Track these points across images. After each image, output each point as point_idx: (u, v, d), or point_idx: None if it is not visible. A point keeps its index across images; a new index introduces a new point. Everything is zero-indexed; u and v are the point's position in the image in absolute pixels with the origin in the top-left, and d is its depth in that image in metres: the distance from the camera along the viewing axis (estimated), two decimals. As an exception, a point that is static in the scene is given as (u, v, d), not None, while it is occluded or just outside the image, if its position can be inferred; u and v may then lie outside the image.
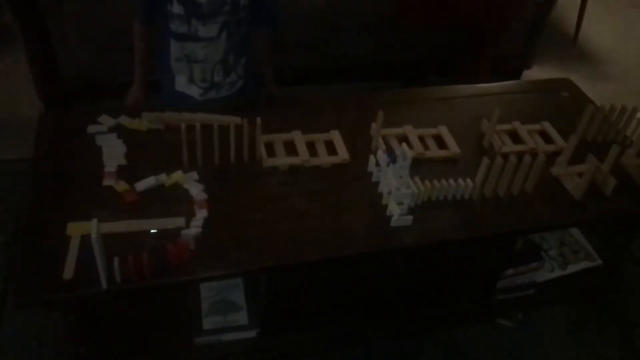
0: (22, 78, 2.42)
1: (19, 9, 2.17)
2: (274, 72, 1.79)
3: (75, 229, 1.11)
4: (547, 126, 1.54)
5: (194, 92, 1.61)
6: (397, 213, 1.21)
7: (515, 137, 1.50)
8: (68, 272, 1.04)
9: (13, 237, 1.83)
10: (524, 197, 1.33)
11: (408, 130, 1.46)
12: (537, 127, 1.54)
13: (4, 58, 2.65)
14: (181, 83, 1.61)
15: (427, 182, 1.27)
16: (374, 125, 1.42)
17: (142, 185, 1.23)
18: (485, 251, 1.45)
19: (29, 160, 1.30)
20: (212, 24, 1.49)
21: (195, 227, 1.12)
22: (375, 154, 1.33)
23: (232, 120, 1.37)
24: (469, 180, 1.29)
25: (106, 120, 1.39)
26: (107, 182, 1.23)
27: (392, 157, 1.22)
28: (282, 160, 1.34)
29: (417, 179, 1.27)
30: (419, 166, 1.33)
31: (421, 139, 1.45)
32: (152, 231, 1.13)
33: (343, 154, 1.38)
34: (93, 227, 0.96)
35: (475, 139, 1.49)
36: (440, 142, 1.45)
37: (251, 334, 1.38)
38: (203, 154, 1.29)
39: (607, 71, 3.19)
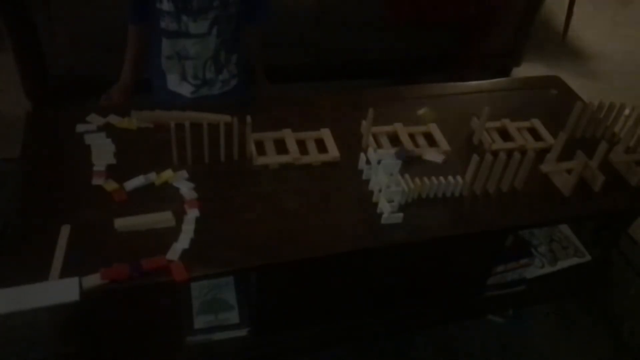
0: (9, 76, 2.39)
1: (7, 6, 2.15)
2: (266, 69, 1.79)
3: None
4: (537, 123, 1.55)
5: (186, 89, 1.61)
6: (387, 211, 1.21)
7: (504, 135, 1.51)
8: (54, 275, 1.02)
9: None
10: (514, 194, 1.34)
11: (398, 127, 1.46)
12: (526, 124, 1.55)
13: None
14: (173, 81, 1.60)
15: (417, 180, 1.28)
16: (364, 123, 1.43)
17: (131, 184, 1.22)
18: (476, 248, 1.46)
19: (16, 160, 1.29)
20: (203, 20, 1.49)
21: (183, 242, 1.12)
22: (365, 151, 1.34)
23: (222, 118, 1.37)
24: (459, 178, 1.30)
25: (95, 119, 1.38)
26: (96, 181, 1.22)
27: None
28: (273, 158, 1.34)
29: (407, 176, 1.27)
30: (409, 164, 1.34)
31: (411, 136, 1.45)
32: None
33: (333, 152, 1.38)
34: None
35: (465, 137, 1.49)
36: (431, 140, 1.46)
37: (242, 332, 1.38)
38: (193, 153, 1.29)
39: (596, 68, 3.21)
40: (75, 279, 1.01)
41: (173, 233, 1.13)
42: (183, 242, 1.11)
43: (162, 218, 1.15)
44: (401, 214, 1.22)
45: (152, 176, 1.24)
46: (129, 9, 1.55)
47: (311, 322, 1.46)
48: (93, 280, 1.02)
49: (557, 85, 1.77)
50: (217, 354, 1.37)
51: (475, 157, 1.28)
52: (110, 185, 1.21)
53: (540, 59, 3.09)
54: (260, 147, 1.36)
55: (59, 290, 1.00)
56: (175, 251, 1.09)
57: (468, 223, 1.27)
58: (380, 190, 1.24)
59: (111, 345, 1.36)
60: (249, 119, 1.29)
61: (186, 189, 1.22)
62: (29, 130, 1.35)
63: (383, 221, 1.22)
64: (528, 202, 1.33)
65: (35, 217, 1.14)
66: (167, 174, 1.25)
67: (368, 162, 1.30)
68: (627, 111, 1.53)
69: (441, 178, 1.28)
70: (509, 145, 1.46)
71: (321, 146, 1.39)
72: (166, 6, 1.45)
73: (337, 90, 2.03)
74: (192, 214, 1.17)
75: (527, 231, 1.67)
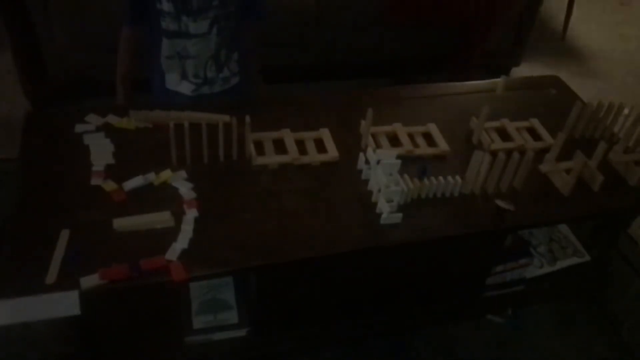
0: (8, 76, 2.39)
1: (6, 6, 2.15)
2: (264, 69, 1.79)
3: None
4: (536, 123, 1.55)
5: (186, 88, 1.60)
6: (386, 211, 1.21)
7: (504, 134, 1.51)
8: (51, 276, 1.02)
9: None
10: (513, 194, 1.34)
11: (397, 127, 1.46)
12: (525, 124, 1.55)
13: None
14: (172, 81, 1.60)
15: (416, 180, 1.28)
16: (363, 123, 1.42)
17: (130, 184, 1.22)
18: (475, 248, 1.46)
19: (15, 160, 1.29)
20: (203, 20, 1.49)
21: (182, 242, 1.12)
22: (365, 151, 1.33)
23: (221, 118, 1.37)
24: (458, 178, 1.30)
25: (94, 119, 1.38)
26: (95, 181, 1.22)
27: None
28: (272, 158, 1.34)
29: (406, 176, 1.27)
30: (408, 164, 1.34)
31: (410, 136, 1.45)
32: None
33: (333, 152, 1.37)
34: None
35: (464, 137, 1.49)
36: (430, 140, 1.46)
37: (241, 332, 1.38)
38: (192, 153, 1.29)
39: (595, 68, 3.21)
40: (75, 292, 1.00)
41: (172, 233, 1.13)
42: (182, 242, 1.11)
43: (161, 218, 1.15)
44: (400, 214, 1.22)
45: (151, 176, 1.24)
46: (126, 10, 1.54)
47: (310, 322, 1.46)
48: (92, 280, 1.02)
49: (556, 85, 1.77)
50: (216, 354, 1.37)
51: (474, 157, 1.28)
52: (109, 186, 1.21)
53: (539, 59, 3.08)
54: (260, 147, 1.36)
55: (59, 303, 0.99)
56: (174, 251, 1.09)
57: (467, 223, 1.27)
58: (379, 190, 1.24)
59: (110, 345, 1.36)
60: (248, 119, 1.29)
61: (185, 189, 1.22)
62: (28, 131, 1.35)
63: (382, 221, 1.22)
64: (527, 202, 1.33)
65: (34, 217, 1.14)
66: (166, 174, 1.25)
67: (367, 162, 1.30)
68: (626, 111, 1.53)
69: (440, 178, 1.28)
70: (508, 145, 1.46)
71: (320, 146, 1.39)
72: (166, 7, 1.45)
73: (336, 90, 2.04)
74: (191, 214, 1.17)
75: (526, 231, 1.67)
